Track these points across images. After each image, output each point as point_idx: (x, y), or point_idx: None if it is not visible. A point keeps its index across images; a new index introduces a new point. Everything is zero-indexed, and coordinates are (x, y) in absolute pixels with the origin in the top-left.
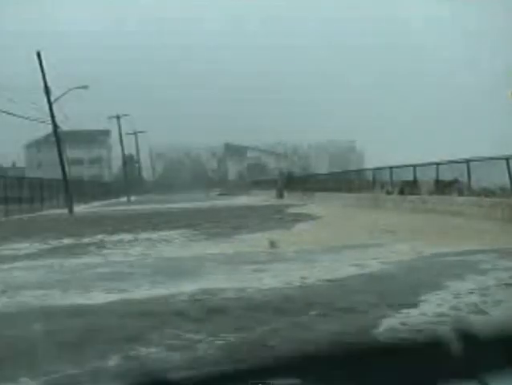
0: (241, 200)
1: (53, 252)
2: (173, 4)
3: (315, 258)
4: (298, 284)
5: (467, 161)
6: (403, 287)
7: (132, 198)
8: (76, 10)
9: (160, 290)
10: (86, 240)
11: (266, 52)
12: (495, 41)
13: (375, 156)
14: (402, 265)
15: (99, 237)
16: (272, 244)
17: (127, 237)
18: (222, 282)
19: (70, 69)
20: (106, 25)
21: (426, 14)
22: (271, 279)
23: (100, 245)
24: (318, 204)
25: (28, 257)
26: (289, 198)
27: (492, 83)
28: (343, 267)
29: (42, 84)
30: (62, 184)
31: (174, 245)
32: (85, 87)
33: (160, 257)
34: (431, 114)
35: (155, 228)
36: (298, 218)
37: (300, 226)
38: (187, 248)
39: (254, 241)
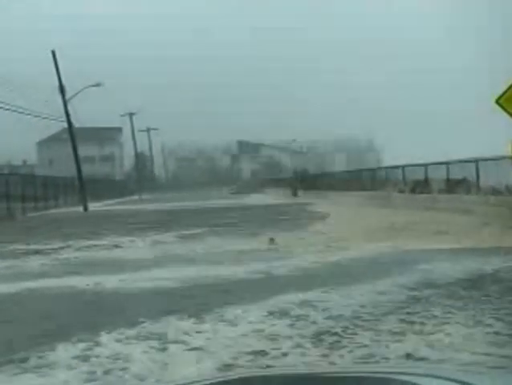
0: (254, 198)
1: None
2: (191, 2)
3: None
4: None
5: (476, 160)
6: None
7: (144, 196)
8: (92, 7)
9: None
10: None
11: (281, 50)
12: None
13: (394, 153)
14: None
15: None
16: (271, 241)
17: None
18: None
19: (84, 67)
20: (121, 22)
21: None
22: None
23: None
24: (330, 203)
25: None
26: (303, 197)
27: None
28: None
29: (56, 83)
30: (75, 182)
31: (143, 247)
32: (99, 85)
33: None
34: (449, 111)
35: (154, 228)
36: (308, 218)
37: (306, 227)
38: (159, 248)
39: (252, 243)
